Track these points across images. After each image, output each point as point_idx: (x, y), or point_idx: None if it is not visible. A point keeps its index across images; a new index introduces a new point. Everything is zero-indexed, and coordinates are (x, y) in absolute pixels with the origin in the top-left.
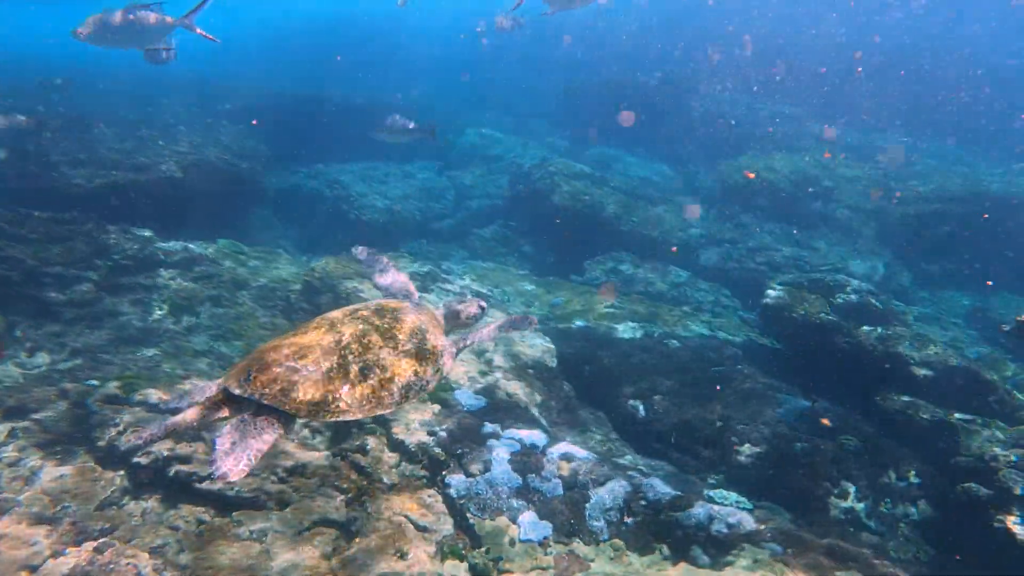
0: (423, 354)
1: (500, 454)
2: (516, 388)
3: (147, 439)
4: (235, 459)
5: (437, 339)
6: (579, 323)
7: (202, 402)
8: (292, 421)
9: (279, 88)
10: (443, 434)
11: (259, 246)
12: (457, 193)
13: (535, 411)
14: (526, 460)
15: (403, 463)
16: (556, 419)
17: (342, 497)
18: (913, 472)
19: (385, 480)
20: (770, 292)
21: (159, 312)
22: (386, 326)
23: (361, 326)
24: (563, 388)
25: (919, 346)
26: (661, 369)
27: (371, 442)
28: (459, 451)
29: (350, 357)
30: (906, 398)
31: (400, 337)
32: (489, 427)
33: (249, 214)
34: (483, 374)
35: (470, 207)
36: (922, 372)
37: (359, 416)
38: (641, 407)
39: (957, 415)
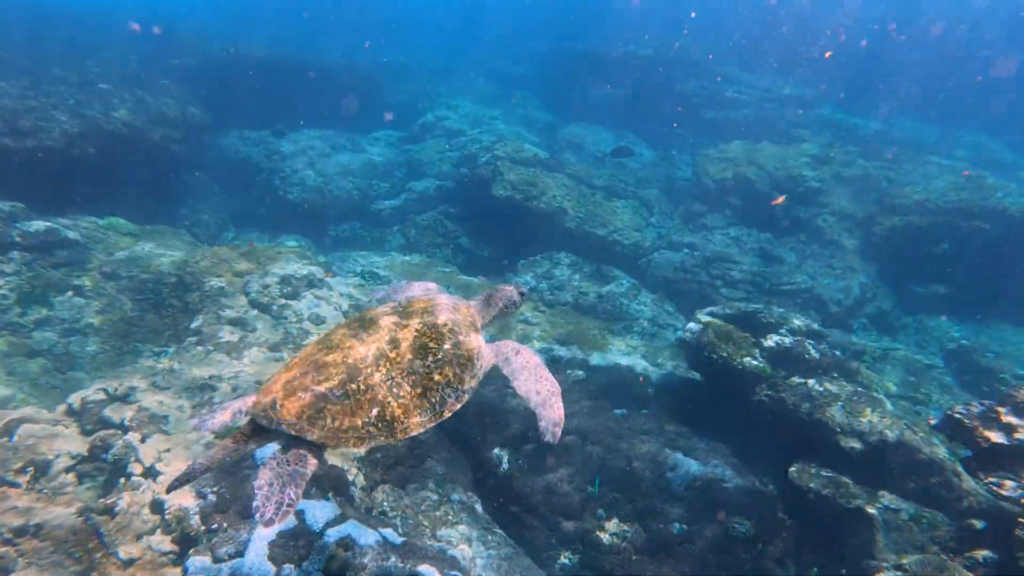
0: (458, 360)
1: (263, 534)
2: None
3: (184, 477)
4: (276, 503)
5: (472, 339)
6: None
7: (232, 438)
8: (325, 448)
9: (244, 46)
10: (212, 497)
11: (161, 224)
12: (409, 171)
13: (352, 467)
14: (293, 544)
15: (156, 532)
16: (380, 476)
17: (74, 570)
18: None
19: (122, 555)
20: (691, 325)
21: (4, 301)
22: (416, 332)
23: (389, 336)
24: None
25: (852, 411)
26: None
27: (125, 500)
28: (216, 525)
29: (378, 375)
30: (827, 474)
31: (431, 345)
32: None
33: (187, 181)
34: None
35: (416, 188)
36: (850, 444)
37: (392, 441)
38: (506, 459)
39: (883, 502)
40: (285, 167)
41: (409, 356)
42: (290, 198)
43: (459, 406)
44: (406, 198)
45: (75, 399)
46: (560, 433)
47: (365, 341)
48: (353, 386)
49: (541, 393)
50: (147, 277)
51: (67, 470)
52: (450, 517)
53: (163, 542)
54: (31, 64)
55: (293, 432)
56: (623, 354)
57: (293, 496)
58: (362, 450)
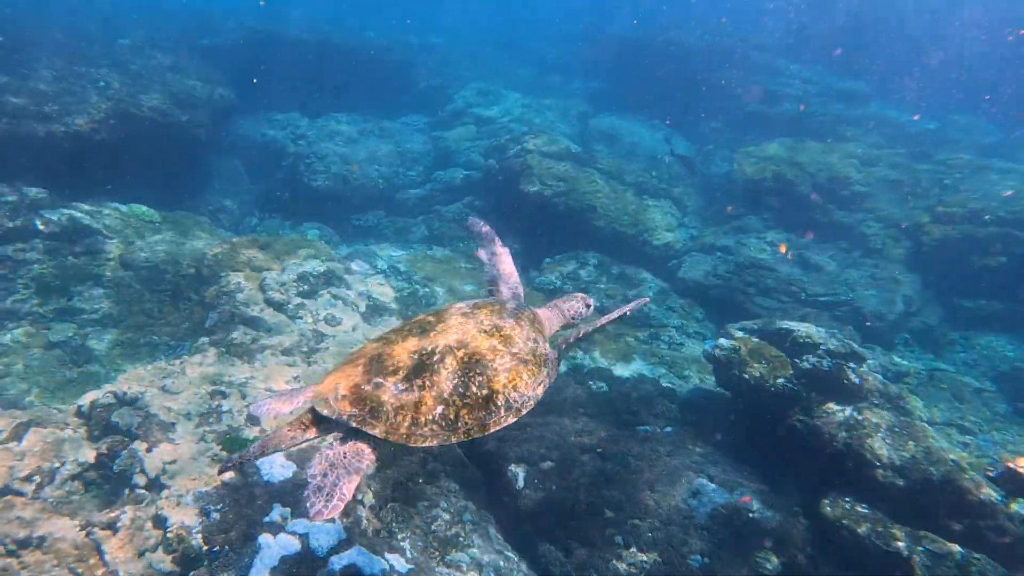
0: (527, 364)
1: (265, 558)
2: None
3: (238, 461)
4: (327, 495)
5: (541, 346)
6: None
7: (291, 425)
8: (384, 444)
9: (275, 26)
10: (216, 515)
11: (183, 210)
12: (437, 159)
13: (359, 486)
14: (295, 571)
15: (158, 550)
16: (390, 493)
17: None
18: None
19: (121, 574)
20: (722, 341)
21: (24, 291)
22: (484, 332)
23: (456, 334)
24: None
25: (894, 443)
26: (568, 423)
27: (128, 515)
28: (218, 547)
29: (444, 372)
30: (863, 510)
31: (499, 346)
32: (277, 512)
33: (213, 165)
34: None
35: (443, 178)
36: (890, 479)
37: (454, 441)
38: (521, 476)
39: (926, 545)
40: (311, 153)
41: (477, 356)
42: (314, 185)
43: (524, 412)
44: (432, 188)
45: (85, 401)
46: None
47: (432, 338)
48: (418, 381)
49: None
50: (165, 268)
51: (73, 478)
52: (461, 539)
53: (164, 561)
54: (67, 40)
55: (353, 424)
56: (648, 365)
57: (346, 490)
58: (422, 446)
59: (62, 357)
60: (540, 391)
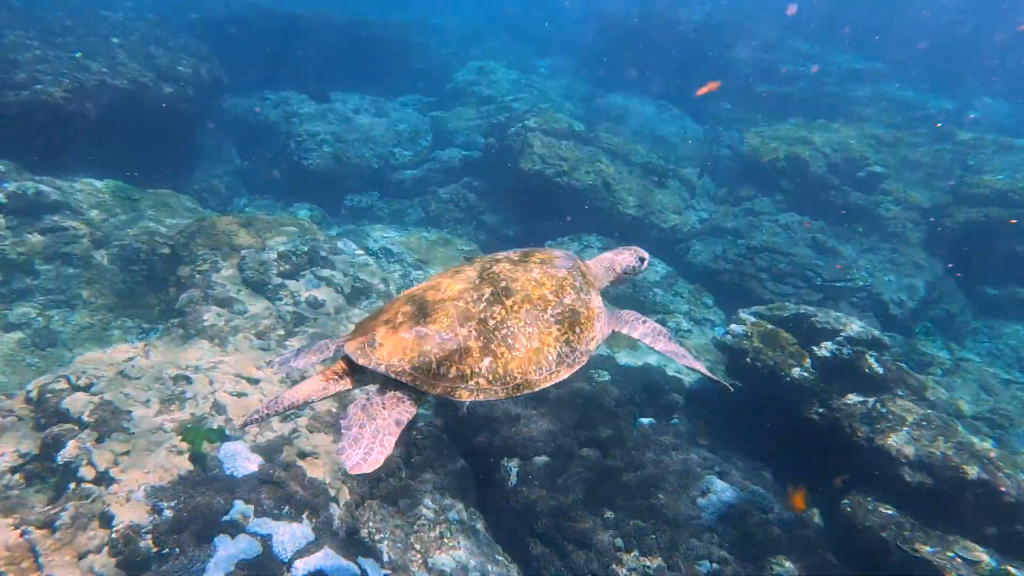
0: (578, 317)
1: (220, 563)
2: (320, 442)
3: (263, 414)
4: (366, 448)
5: (594, 298)
6: None
7: (324, 374)
8: (425, 395)
9: (269, 1)
10: (169, 513)
11: (167, 188)
12: (436, 139)
13: (336, 479)
14: None
15: (102, 552)
16: (369, 490)
17: None
18: None
19: None
20: (733, 327)
21: None
22: (535, 280)
23: (504, 282)
24: (407, 435)
25: (922, 438)
26: (567, 415)
27: (70, 511)
28: (168, 549)
29: (491, 321)
30: (888, 511)
31: (550, 296)
32: (237, 510)
33: (202, 144)
34: (284, 416)
35: (440, 158)
36: (918, 478)
37: (501, 396)
38: (515, 472)
39: (957, 551)
40: (302, 131)
41: (527, 306)
42: (305, 164)
43: (577, 368)
44: (429, 168)
45: (34, 386)
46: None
47: (479, 286)
48: (463, 331)
49: (683, 355)
50: (140, 246)
51: (13, 470)
52: (447, 540)
53: (108, 565)
54: (43, 10)
55: (392, 374)
56: (655, 353)
57: (386, 443)
58: (467, 400)
59: (23, 340)
60: (592, 346)
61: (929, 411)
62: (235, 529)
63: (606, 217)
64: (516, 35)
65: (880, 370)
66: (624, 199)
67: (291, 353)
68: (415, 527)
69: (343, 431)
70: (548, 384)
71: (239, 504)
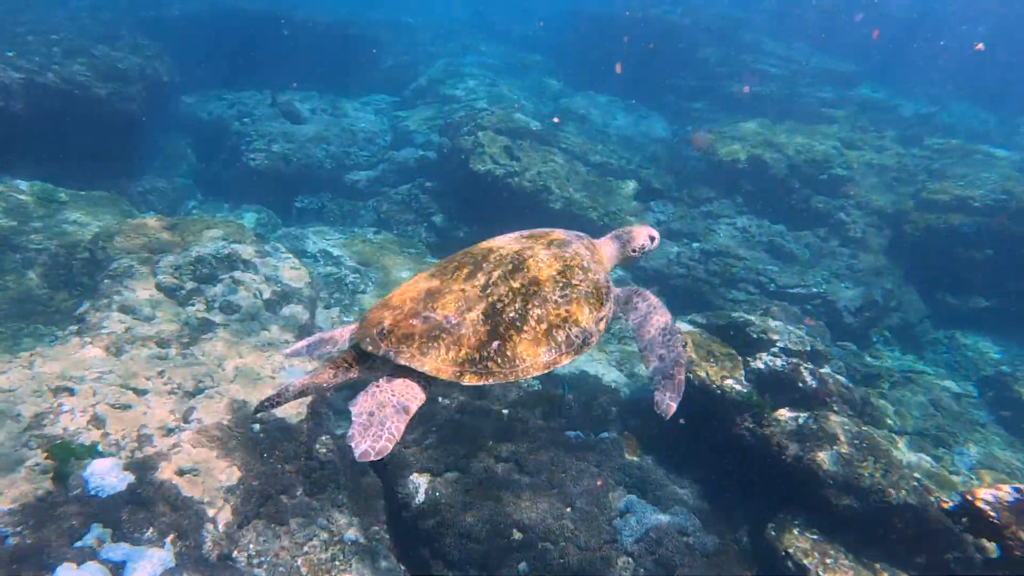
0: (588, 297)
1: None
2: (203, 458)
3: (273, 403)
4: (375, 435)
5: (603, 278)
6: None
7: (332, 362)
8: (435, 382)
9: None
10: (13, 540)
11: (103, 191)
12: (395, 139)
13: (217, 497)
14: None
15: None
16: (254, 508)
17: None
18: None
19: None
20: None
21: None
22: (542, 262)
23: (512, 264)
24: (315, 451)
25: (852, 458)
26: (486, 426)
27: None
28: None
29: (500, 304)
30: (813, 536)
31: (558, 278)
32: (94, 534)
33: (153, 145)
34: (168, 430)
35: (396, 159)
36: (844, 501)
37: (511, 379)
38: (423, 489)
39: None
40: (252, 132)
41: (535, 288)
42: (252, 165)
43: (587, 349)
44: (384, 169)
45: None
46: (675, 409)
47: (486, 268)
48: (472, 315)
49: (664, 359)
50: (59, 251)
51: None
52: (338, 563)
53: None
54: None
55: (402, 361)
56: (592, 361)
57: (395, 430)
58: (476, 384)
59: None
60: (602, 327)
61: (863, 429)
62: (85, 556)
63: (560, 218)
64: (490, 34)
65: (814, 384)
66: (578, 200)
67: (302, 344)
68: (305, 549)
69: (353, 418)
70: (557, 366)
71: (96, 528)
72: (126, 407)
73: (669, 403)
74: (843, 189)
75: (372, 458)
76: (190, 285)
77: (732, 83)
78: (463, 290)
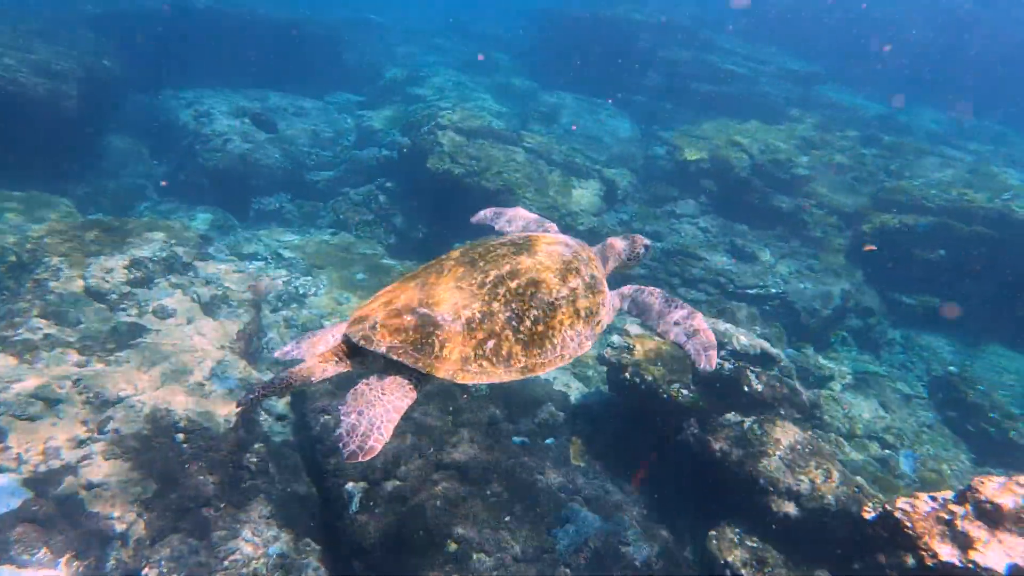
0: (584, 301)
1: None
2: (116, 471)
3: (260, 394)
4: (363, 435)
5: (599, 283)
6: None
7: (323, 355)
8: (427, 380)
9: None
10: None
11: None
12: (359, 138)
13: (130, 511)
14: None
15: None
16: (173, 522)
17: None
18: None
19: None
20: (615, 339)
21: None
22: (540, 263)
23: (509, 264)
24: (245, 460)
25: (794, 464)
26: (434, 433)
27: None
28: None
29: (496, 304)
30: (752, 544)
31: (555, 280)
32: None
33: (105, 144)
34: (80, 442)
35: (358, 158)
36: (784, 508)
37: (506, 379)
38: (358, 498)
39: None
40: (208, 131)
41: (531, 289)
42: (207, 165)
43: (581, 352)
44: (345, 169)
45: None
46: (716, 359)
47: (484, 269)
48: (467, 313)
49: (680, 323)
50: None
51: None
52: None
53: None
54: None
55: (394, 357)
56: None
57: (384, 431)
58: (469, 383)
59: None
60: (598, 330)
61: (808, 433)
62: None
63: None
64: (460, 34)
65: (760, 387)
66: (537, 200)
67: (293, 343)
68: (225, 564)
69: (341, 417)
70: (553, 368)
71: None
72: (35, 418)
73: (708, 356)
74: (804, 189)
75: (360, 459)
76: (124, 290)
77: (698, 83)
78: (459, 288)
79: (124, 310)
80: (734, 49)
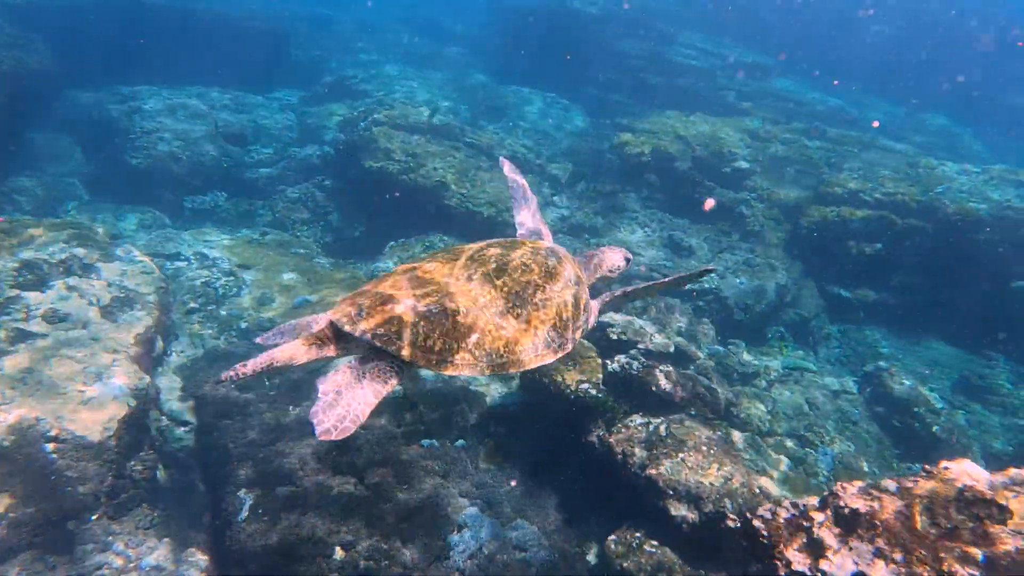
0: (567, 304)
1: None
2: None
3: (241, 374)
4: (339, 415)
5: (581, 288)
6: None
7: (307, 337)
8: (409, 368)
9: None
10: None
11: None
12: (301, 135)
13: None
14: None
15: None
16: (29, 537)
17: None
18: None
19: None
20: None
21: None
22: (525, 265)
23: (495, 264)
24: (128, 469)
25: (696, 467)
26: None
27: None
28: None
29: (481, 300)
30: (651, 549)
31: (539, 281)
32: None
33: (33, 143)
34: None
35: (298, 155)
36: (681, 512)
37: (487, 373)
38: (248, 505)
39: None
40: (139, 128)
41: (517, 288)
42: (133, 164)
43: (561, 354)
44: (284, 166)
45: None
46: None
47: (471, 267)
48: (452, 305)
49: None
50: None
51: None
52: None
53: None
54: None
55: (378, 344)
56: None
57: (360, 413)
58: (450, 375)
59: None
60: (578, 335)
61: (715, 434)
62: None
63: (457, 216)
64: (416, 28)
65: (668, 387)
66: (475, 196)
67: (276, 331)
68: None
69: (319, 395)
70: (533, 365)
71: None
72: None
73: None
74: (746, 182)
75: (333, 437)
76: (11, 293)
77: (652, 75)
78: (447, 282)
79: (8, 315)
80: (690, 42)
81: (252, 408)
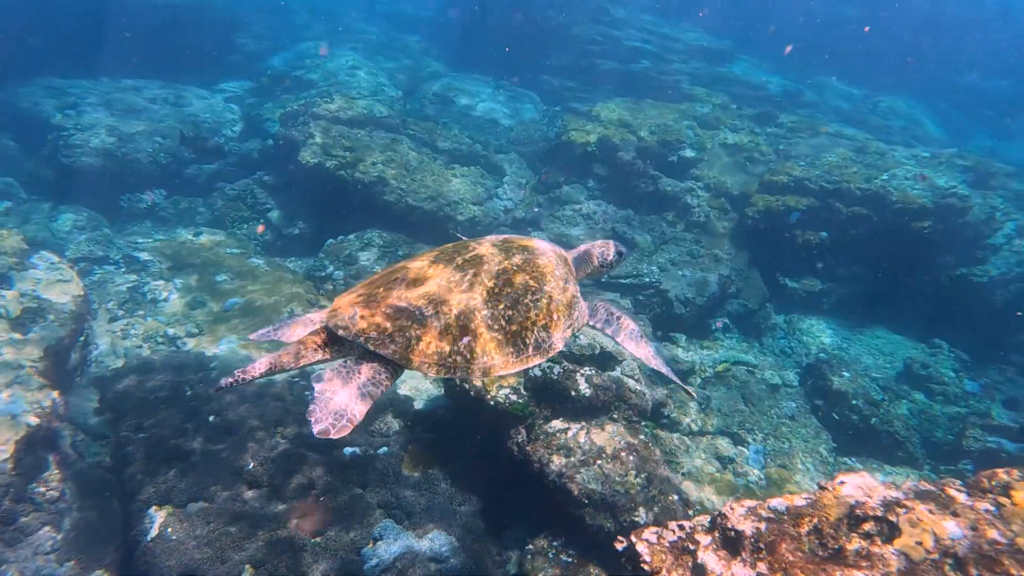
0: (558, 304)
1: None
2: None
3: (241, 379)
4: (335, 415)
5: (572, 288)
6: (191, 344)
7: (303, 341)
8: (402, 371)
9: None
10: None
11: None
12: (246, 129)
13: None
14: None
15: None
16: None
17: None
18: None
19: None
20: None
21: None
22: (516, 265)
23: (487, 264)
24: (30, 491)
25: (613, 475)
26: (251, 443)
27: None
28: None
29: (472, 302)
30: (567, 559)
31: (530, 282)
32: None
33: None
34: None
35: (237, 151)
36: (599, 522)
37: (477, 376)
38: (158, 523)
39: None
40: (71, 124)
41: (507, 290)
42: (65, 162)
43: (552, 354)
44: (226, 163)
45: None
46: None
47: (460, 266)
48: (444, 308)
49: (654, 358)
50: None
51: None
52: None
53: None
54: None
55: (371, 346)
56: None
57: (356, 412)
58: (442, 377)
59: None
60: (568, 334)
61: (636, 439)
62: None
63: (397, 211)
64: (373, 15)
65: (588, 391)
66: (415, 190)
67: (271, 327)
68: None
69: (315, 394)
70: (522, 367)
71: None
72: None
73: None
74: (692, 171)
75: (331, 436)
76: None
77: (605, 60)
78: (438, 284)
79: None
80: (645, 26)
81: (168, 419)
